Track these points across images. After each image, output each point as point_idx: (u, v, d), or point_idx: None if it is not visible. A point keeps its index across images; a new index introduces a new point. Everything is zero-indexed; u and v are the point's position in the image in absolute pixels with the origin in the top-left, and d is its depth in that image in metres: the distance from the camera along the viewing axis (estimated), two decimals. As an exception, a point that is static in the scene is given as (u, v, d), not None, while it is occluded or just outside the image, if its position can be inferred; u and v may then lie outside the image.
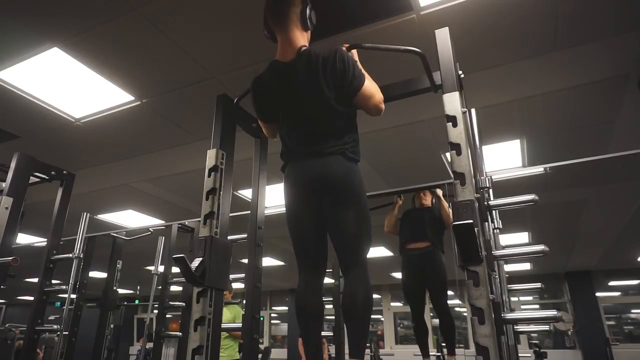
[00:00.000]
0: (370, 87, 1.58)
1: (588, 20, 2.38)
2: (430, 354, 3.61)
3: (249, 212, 2.05)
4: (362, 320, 1.45)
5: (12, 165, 2.51)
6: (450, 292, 3.30)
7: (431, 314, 8.65)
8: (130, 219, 5.62)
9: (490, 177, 2.03)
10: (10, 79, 2.81)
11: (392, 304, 10.01)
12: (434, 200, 3.51)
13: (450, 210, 3.18)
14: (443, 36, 1.64)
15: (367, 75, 1.67)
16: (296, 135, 1.61)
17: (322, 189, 1.52)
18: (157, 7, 2.25)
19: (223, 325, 1.71)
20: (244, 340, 1.84)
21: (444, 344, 3.34)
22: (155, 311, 3.85)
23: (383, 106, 1.63)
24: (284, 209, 1.62)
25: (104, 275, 4.28)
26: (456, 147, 1.40)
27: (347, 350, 1.59)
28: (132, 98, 3.05)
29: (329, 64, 1.51)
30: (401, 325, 10.06)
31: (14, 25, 2.35)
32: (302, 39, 1.62)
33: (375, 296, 10.15)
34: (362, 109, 1.61)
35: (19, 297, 11.35)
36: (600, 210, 5.20)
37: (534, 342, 8.22)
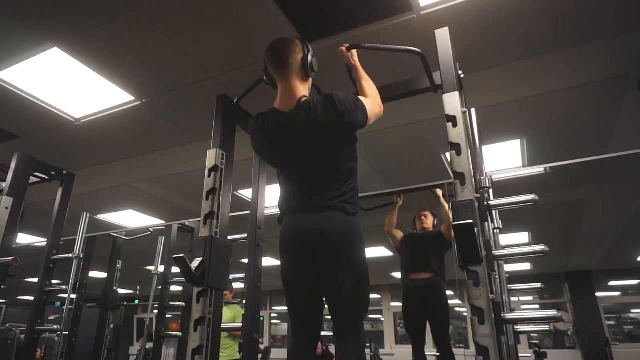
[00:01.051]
0: (371, 109, 1.54)
1: (588, 20, 2.38)
2: (431, 354, 3.60)
3: (249, 212, 2.05)
4: None
5: (12, 165, 2.51)
6: (450, 292, 3.29)
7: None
8: (130, 219, 5.62)
9: (490, 177, 2.03)
10: (10, 79, 2.81)
11: (392, 304, 10.01)
12: (435, 223, 3.49)
13: (450, 212, 3.19)
14: (443, 36, 1.64)
15: (364, 80, 1.67)
16: (294, 186, 1.57)
17: (319, 251, 1.45)
18: (157, 7, 2.25)
19: (223, 325, 1.71)
20: (244, 340, 1.84)
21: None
22: (155, 311, 3.85)
23: (382, 110, 1.63)
24: (280, 265, 1.56)
25: (104, 275, 4.28)
26: (456, 147, 1.40)
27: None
28: (132, 98, 3.05)
29: (330, 114, 1.45)
30: (401, 325, 10.05)
31: (14, 25, 2.35)
32: (302, 88, 1.57)
33: (375, 296, 10.15)
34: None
35: (19, 297, 11.36)
36: (600, 210, 5.20)
37: (534, 342, 8.22)
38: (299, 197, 1.54)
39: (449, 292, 3.28)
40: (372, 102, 1.58)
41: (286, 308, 1.58)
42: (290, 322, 1.56)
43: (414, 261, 3.32)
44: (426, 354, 3.29)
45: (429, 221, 3.48)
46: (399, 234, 3.51)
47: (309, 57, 1.57)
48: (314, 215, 1.47)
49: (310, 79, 1.64)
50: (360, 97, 1.56)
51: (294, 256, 1.51)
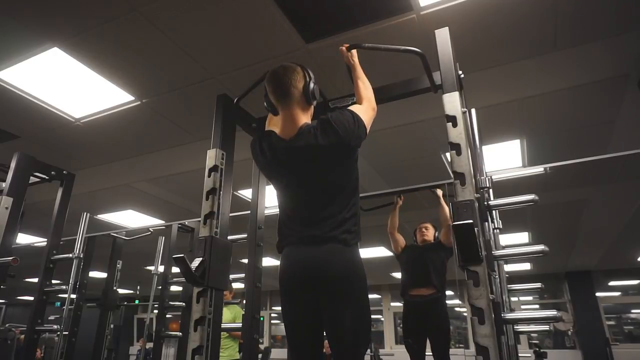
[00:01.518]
0: (368, 115, 1.56)
1: (588, 20, 2.38)
2: (429, 353, 3.60)
3: (249, 212, 2.05)
4: None
5: (12, 165, 2.51)
6: (450, 292, 3.28)
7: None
8: (130, 219, 5.62)
9: (490, 177, 2.03)
10: (10, 79, 2.81)
11: (392, 304, 10.01)
12: (436, 234, 3.44)
13: (448, 211, 3.18)
14: (443, 36, 1.64)
15: (360, 80, 1.69)
16: (293, 215, 1.54)
17: (320, 289, 1.42)
18: (157, 7, 2.25)
19: (223, 325, 1.71)
20: (244, 340, 1.84)
21: None
22: (155, 311, 3.85)
23: (375, 111, 1.64)
24: (280, 299, 1.54)
25: (104, 275, 4.28)
26: (456, 147, 1.40)
27: None
28: (132, 98, 3.05)
29: (331, 138, 1.45)
30: (401, 325, 10.06)
31: (14, 25, 2.35)
32: (304, 117, 1.55)
33: (375, 296, 10.16)
34: None
35: (19, 297, 11.36)
36: (600, 210, 5.20)
37: (534, 342, 8.21)
38: (300, 226, 1.50)
39: (449, 292, 3.26)
40: (366, 107, 1.60)
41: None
42: (289, 356, 1.52)
43: (414, 276, 3.26)
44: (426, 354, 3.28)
45: (429, 233, 3.43)
46: (401, 240, 3.45)
47: (311, 85, 1.55)
48: (315, 249, 1.44)
49: (312, 106, 1.61)
50: (355, 107, 1.57)
51: (295, 295, 1.48)
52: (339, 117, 1.49)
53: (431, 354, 3.17)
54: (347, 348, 1.41)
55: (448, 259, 3.23)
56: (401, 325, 3.29)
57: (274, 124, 1.67)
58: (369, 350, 5.89)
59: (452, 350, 3.21)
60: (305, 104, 1.56)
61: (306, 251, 1.46)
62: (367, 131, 1.53)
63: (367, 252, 6.79)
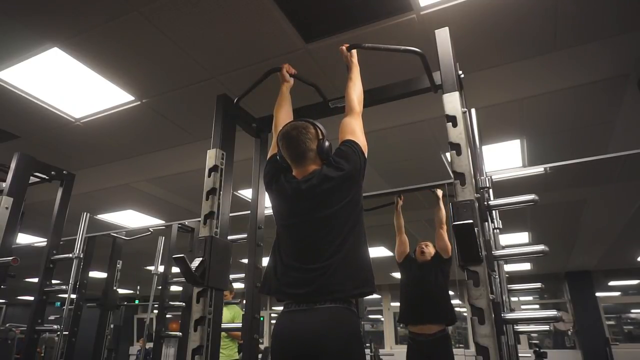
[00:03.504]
0: (359, 127, 1.61)
1: (588, 20, 2.38)
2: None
3: (249, 212, 2.05)
4: None
5: (12, 165, 2.51)
6: (450, 293, 3.26)
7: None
8: (130, 219, 5.62)
9: (490, 177, 2.03)
10: (10, 79, 2.80)
11: (392, 304, 10.01)
12: (436, 251, 3.17)
13: (444, 213, 3.15)
14: (443, 36, 1.64)
15: (352, 82, 1.71)
16: (294, 270, 1.42)
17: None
18: (157, 7, 2.25)
19: (223, 325, 1.72)
20: (244, 340, 1.84)
21: None
22: (155, 311, 3.85)
23: (361, 112, 1.67)
24: None
25: (104, 275, 4.28)
26: (456, 147, 1.40)
27: None
28: (132, 98, 3.05)
29: (340, 172, 1.47)
30: (401, 325, 10.05)
31: (14, 25, 2.34)
32: (316, 167, 1.54)
33: (375, 296, 10.15)
34: None
35: (19, 297, 11.36)
36: (600, 210, 5.20)
37: (534, 342, 8.21)
38: (300, 282, 1.38)
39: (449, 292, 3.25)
40: (358, 119, 1.62)
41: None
42: None
43: (415, 309, 3.03)
44: None
45: (430, 249, 3.20)
46: (406, 244, 3.29)
47: (325, 145, 1.54)
48: (314, 317, 1.32)
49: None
50: (352, 134, 1.58)
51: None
52: (338, 153, 1.53)
53: None
54: None
55: (449, 272, 3.05)
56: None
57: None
58: (368, 350, 5.88)
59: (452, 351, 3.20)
60: (319, 161, 1.55)
61: (304, 320, 1.33)
62: (365, 152, 1.56)
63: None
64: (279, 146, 1.58)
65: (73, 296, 2.88)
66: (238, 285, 4.03)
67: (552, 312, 1.44)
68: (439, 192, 3.24)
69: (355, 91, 1.69)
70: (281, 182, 1.55)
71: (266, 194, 2.09)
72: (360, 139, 1.58)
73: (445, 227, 3.10)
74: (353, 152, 1.52)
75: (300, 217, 1.47)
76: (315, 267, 1.37)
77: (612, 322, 8.79)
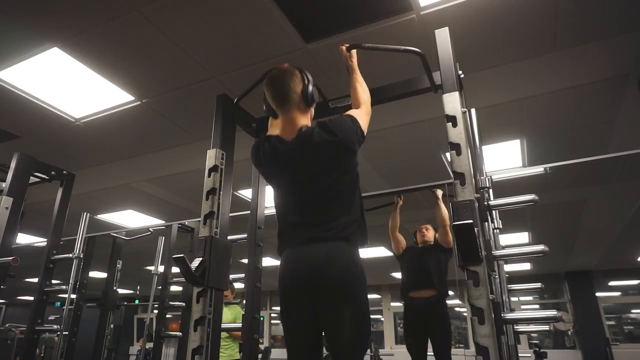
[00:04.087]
0: (364, 119, 1.57)
1: (588, 20, 2.38)
2: (431, 354, 3.60)
3: (249, 212, 2.05)
4: None
5: (12, 165, 2.51)
6: (450, 292, 3.28)
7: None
8: (130, 219, 5.62)
9: (490, 177, 2.03)
10: (10, 79, 2.80)
11: (392, 304, 10.01)
12: (436, 235, 3.40)
13: (445, 212, 3.18)
14: (443, 36, 1.64)
15: (357, 82, 1.69)
16: (294, 214, 1.52)
17: (319, 288, 1.40)
18: (157, 7, 2.25)
19: (223, 325, 1.71)
20: (244, 340, 1.84)
21: None
22: (155, 311, 3.85)
23: (370, 115, 1.64)
24: (279, 300, 1.52)
25: (104, 275, 4.28)
26: (456, 147, 1.40)
27: None
28: (132, 98, 3.05)
29: (329, 140, 1.46)
30: (401, 325, 10.06)
31: (14, 25, 2.35)
32: (303, 119, 1.56)
33: (375, 296, 10.16)
34: None
35: (19, 297, 11.36)
36: (600, 210, 5.20)
37: (534, 342, 8.22)
38: (300, 229, 1.48)
39: (449, 292, 3.26)
40: (364, 111, 1.60)
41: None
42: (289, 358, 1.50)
43: (414, 278, 3.25)
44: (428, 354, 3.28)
45: (429, 234, 3.42)
46: (402, 241, 3.44)
47: (309, 88, 1.56)
48: (315, 249, 1.42)
49: (312, 108, 1.63)
50: (353, 112, 1.58)
51: (294, 297, 1.45)
52: (337, 120, 1.51)
53: (433, 354, 3.16)
54: (346, 350, 1.39)
55: (449, 260, 3.22)
56: (402, 326, 3.27)
57: (275, 127, 1.67)
58: (368, 351, 5.88)
59: (452, 350, 3.21)
60: (304, 106, 1.57)
61: (306, 251, 1.44)
62: (364, 134, 1.54)
63: (367, 252, 6.79)
64: (265, 95, 1.61)
65: (73, 296, 2.88)
66: (238, 285, 4.03)
67: (552, 312, 1.44)
68: (439, 192, 3.25)
69: (363, 95, 1.67)
70: (267, 149, 1.57)
71: (266, 194, 2.10)
72: (362, 118, 1.56)
73: (448, 225, 3.14)
74: (352, 123, 1.51)
75: (290, 180, 1.53)
76: (314, 223, 1.46)
77: (612, 322, 8.79)
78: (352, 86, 1.72)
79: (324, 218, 1.46)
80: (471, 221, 1.24)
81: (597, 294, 8.50)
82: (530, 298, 9.90)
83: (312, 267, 1.41)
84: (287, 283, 1.47)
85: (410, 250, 3.44)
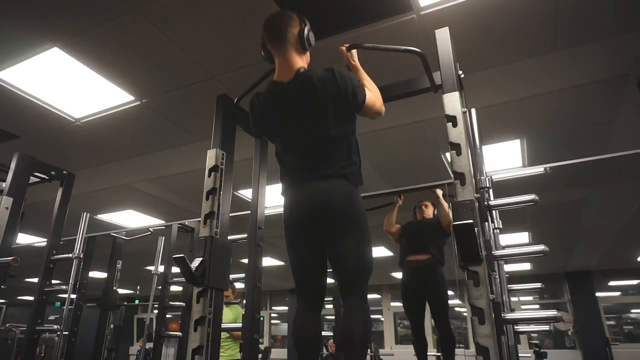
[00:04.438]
0: (371, 97, 1.56)
1: (588, 20, 2.38)
2: (431, 353, 3.61)
3: (249, 212, 2.05)
4: (358, 353, 1.39)
5: (12, 165, 2.51)
6: (450, 292, 3.28)
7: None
8: (130, 219, 5.62)
9: (490, 177, 2.03)
10: (10, 79, 2.80)
11: (392, 304, 10.01)
12: (435, 212, 3.49)
13: (450, 211, 3.19)
14: (443, 36, 1.64)
15: (366, 81, 1.67)
16: (295, 158, 1.58)
17: (323, 219, 1.47)
18: (157, 7, 2.25)
19: (223, 325, 1.72)
20: (244, 340, 1.84)
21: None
22: (155, 311, 3.85)
23: (384, 109, 1.63)
24: (284, 235, 1.58)
25: (104, 275, 4.28)
26: (456, 147, 1.40)
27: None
28: (132, 98, 3.05)
29: (329, 85, 1.49)
30: (401, 325, 10.06)
31: (14, 25, 2.35)
32: (300, 60, 1.59)
33: (375, 296, 10.16)
34: (365, 115, 1.60)
35: (19, 297, 11.35)
36: (600, 210, 5.20)
37: (534, 342, 8.21)
38: (301, 167, 1.55)
39: (449, 292, 3.26)
40: (374, 95, 1.60)
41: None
42: (296, 290, 1.59)
43: (412, 244, 3.35)
44: (427, 354, 3.29)
45: (429, 210, 3.51)
46: (395, 227, 3.53)
47: (306, 31, 1.59)
48: (317, 184, 1.50)
49: (308, 54, 1.66)
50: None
51: (299, 227, 1.53)
52: (345, 72, 1.54)
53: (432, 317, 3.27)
54: (350, 275, 1.47)
55: (445, 240, 3.29)
56: (400, 289, 3.35)
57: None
58: (369, 351, 5.87)
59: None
60: (301, 49, 1.59)
61: (309, 187, 1.51)
62: (366, 102, 1.54)
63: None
64: (263, 40, 1.63)
65: (73, 296, 2.88)
66: (238, 285, 4.03)
67: (552, 312, 1.44)
68: (439, 192, 3.25)
69: (371, 89, 1.66)
70: (263, 97, 1.60)
71: (266, 194, 2.10)
72: (370, 89, 1.58)
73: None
74: (356, 80, 1.54)
75: (288, 123, 1.56)
76: (314, 166, 1.52)
77: (612, 322, 8.79)
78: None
79: (323, 158, 1.52)
80: (471, 221, 1.24)
81: (597, 294, 8.50)
82: (530, 298, 9.90)
83: (314, 200, 1.49)
84: (292, 217, 1.54)
85: (408, 224, 3.53)
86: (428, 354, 3.31)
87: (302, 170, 1.54)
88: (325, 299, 1.67)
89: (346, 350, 1.41)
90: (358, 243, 1.47)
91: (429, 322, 7.45)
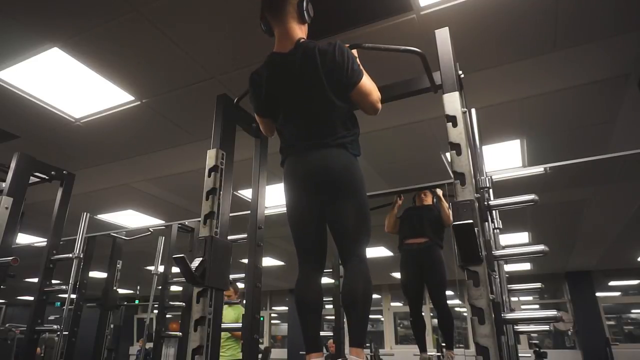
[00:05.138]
0: (368, 84, 1.58)
1: (588, 20, 2.38)
2: (430, 353, 3.61)
3: (249, 212, 2.05)
4: (362, 310, 1.45)
5: (12, 165, 2.51)
6: (450, 292, 3.29)
7: (430, 314, 8.65)
8: (130, 219, 5.62)
9: (490, 177, 2.03)
10: (10, 79, 2.81)
11: (392, 304, 10.01)
12: (434, 200, 3.51)
13: (450, 211, 3.20)
14: (443, 36, 1.64)
15: (365, 74, 1.67)
16: (296, 128, 1.60)
17: (323, 183, 1.52)
18: (157, 7, 2.25)
19: (223, 325, 1.71)
20: (244, 340, 1.84)
21: (443, 345, 3.34)
22: (155, 311, 3.85)
23: (380, 105, 1.62)
24: (285, 206, 1.63)
25: (104, 275, 4.28)
26: (456, 147, 1.40)
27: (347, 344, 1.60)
28: (132, 98, 3.05)
29: (328, 56, 1.51)
30: (401, 325, 10.06)
31: (14, 25, 2.35)
32: (299, 31, 1.61)
33: (375, 296, 10.15)
34: (359, 105, 1.60)
35: (19, 297, 11.36)
36: (600, 210, 5.20)
37: (534, 342, 8.21)
38: (301, 137, 1.57)
39: (449, 292, 3.27)
40: (371, 85, 1.61)
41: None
42: (297, 255, 1.62)
43: (410, 228, 3.38)
44: (428, 353, 3.30)
45: (428, 198, 3.53)
46: (397, 221, 3.54)
47: (305, 2, 1.60)
48: (317, 152, 1.53)
49: (307, 26, 1.67)
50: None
51: (299, 192, 1.57)
52: (346, 48, 1.55)
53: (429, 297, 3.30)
54: (350, 235, 1.51)
55: (444, 227, 3.32)
56: (400, 271, 3.38)
57: None
58: (368, 350, 5.87)
59: (452, 350, 3.21)
60: (300, 20, 1.61)
61: (309, 155, 1.54)
62: (361, 84, 1.54)
63: (367, 252, 6.78)
64: (262, 12, 1.64)
65: (73, 296, 2.88)
66: (238, 285, 4.03)
67: (552, 312, 1.43)
68: (439, 192, 3.26)
69: (373, 88, 1.68)
70: (262, 70, 1.61)
71: (266, 194, 2.10)
72: (371, 82, 1.59)
73: None
74: (355, 59, 1.55)
75: (289, 93, 1.57)
76: (314, 135, 1.55)
77: (612, 322, 8.79)
78: None
79: (322, 128, 1.54)
80: (471, 221, 1.23)
81: (597, 294, 8.51)
82: (530, 298, 9.90)
83: (313, 166, 1.53)
84: (291, 184, 1.58)
85: (407, 210, 3.56)
86: (428, 354, 3.31)
87: (302, 140, 1.57)
88: (325, 299, 1.67)
89: (350, 310, 1.46)
90: (357, 209, 1.51)
91: (429, 323, 7.46)
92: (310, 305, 1.55)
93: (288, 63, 1.56)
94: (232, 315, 3.65)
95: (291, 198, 1.60)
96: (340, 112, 1.56)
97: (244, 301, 1.89)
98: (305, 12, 1.60)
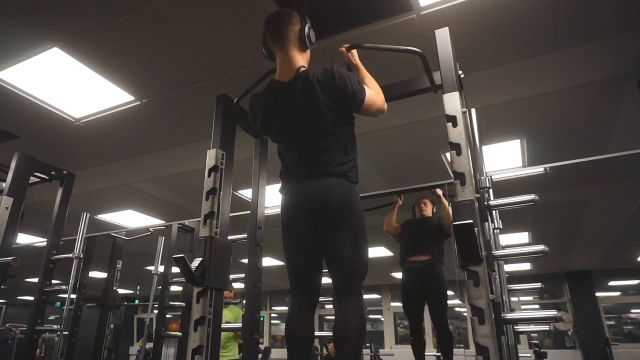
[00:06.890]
0: (371, 95, 1.57)
1: (588, 20, 2.38)
2: (430, 353, 3.61)
3: (249, 212, 2.05)
4: (353, 349, 1.39)
5: (12, 165, 2.51)
6: (450, 292, 3.29)
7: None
8: (130, 219, 5.62)
9: (490, 177, 2.03)
10: (10, 79, 2.80)
11: (392, 304, 10.01)
12: (434, 210, 3.51)
13: (451, 211, 3.20)
14: (443, 36, 1.64)
15: (367, 79, 1.67)
16: (296, 155, 1.58)
17: (321, 213, 1.48)
18: (157, 7, 2.25)
19: (223, 325, 1.72)
20: (244, 340, 1.84)
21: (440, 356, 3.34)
22: (155, 311, 3.85)
23: (386, 107, 1.63)
24: (281, 232, 1.59)
25: (104, 275, 4.28)
26: (456, 147, 1.40)
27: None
28: (132, 98, 3.05)
29: (328, 85, 1.49)
30: (401, 325, 10.06)
31: (14, 25, 2.35)
32: (300, 59, 1.59)
33: (375, 296, 10.16)
34: (365, 115, 1.60)
35: (19, 297, 11.36)
36: (600, 210, 5.20)
37: (534, 342, 8.21)
38: (301, 165, 1.56)
39: (449, 292, 3.27)
40: (374, 93, 1.60)
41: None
42: (291, 285, 1.59)
43: (412, 244, 3.37)
44: (426, 354, 3.30)
45: (428, 209, 3.52)
46: (397, 227, 3.54)
47: (306, 29, 1.59)
48: (316, 181, 1.51)
49: (309, 52, 1.66)
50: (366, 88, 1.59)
51: (296, 221, 1.53)
52: (344, 72, 1.54)
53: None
54: (346, 274, 1.47)
55: (445, 240, 3.31)
56: (400, 289, 3.38)
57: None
58: (368, 350, 5.87)
59: (452, 350, 3.21)
60: (301, 47, 1.59)
61: (307, 183, 1.52)
62: (365, 101, 1.54)
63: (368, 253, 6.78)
64: (264, 37, 1.64)
65: (73, 296, 2.88)
66: (238, 285, 4.03)
67: (552, 312, 1.44)
68: (439, 192, 3.26)
69: (373, 87, 1.66)
70: (264, 94, 1.60)
71: (266, 194, 2.10)
72: (370, 87, 1.58)
73: None
74: (354, 78, 1.54)
75: (288, 121, 1.56)
76: (313, 163, 1.53)
77: (612, 322, 8.78)
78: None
79: (322, 157, 1.52)
80: (471, 221, 1.24)
81: (597, 294, 8.50)
82: (530, 298, 9.90)
83: (311, 196, 1.50)
84: (289, 215, 1.55)
85: (409, 222, 3.55)
86: (428, 354, 3.31)
87: (301, 168, 1.55)
88: (326, 299, 1.67)
89: (341, 349, 1.42)
90: (355, 242, 1.47)
91: (428, 325, 7.46)
92: (300, 341, 1.50)
93: (288, 93, 1.54)
94: (229, 316, 3.65)
95: (287, 231, 1.56)
96: (339, 138, 1.54)
97: (244, 301, 1.89)
98: (307, 38, 1.58)
